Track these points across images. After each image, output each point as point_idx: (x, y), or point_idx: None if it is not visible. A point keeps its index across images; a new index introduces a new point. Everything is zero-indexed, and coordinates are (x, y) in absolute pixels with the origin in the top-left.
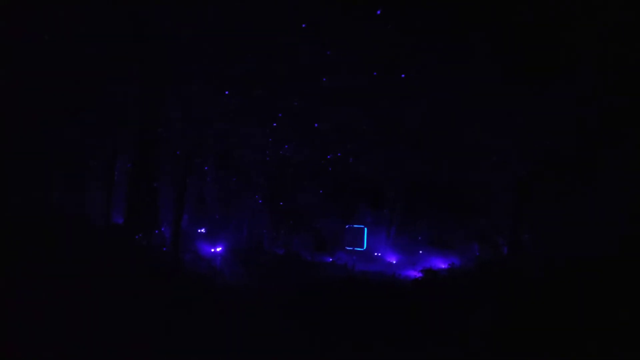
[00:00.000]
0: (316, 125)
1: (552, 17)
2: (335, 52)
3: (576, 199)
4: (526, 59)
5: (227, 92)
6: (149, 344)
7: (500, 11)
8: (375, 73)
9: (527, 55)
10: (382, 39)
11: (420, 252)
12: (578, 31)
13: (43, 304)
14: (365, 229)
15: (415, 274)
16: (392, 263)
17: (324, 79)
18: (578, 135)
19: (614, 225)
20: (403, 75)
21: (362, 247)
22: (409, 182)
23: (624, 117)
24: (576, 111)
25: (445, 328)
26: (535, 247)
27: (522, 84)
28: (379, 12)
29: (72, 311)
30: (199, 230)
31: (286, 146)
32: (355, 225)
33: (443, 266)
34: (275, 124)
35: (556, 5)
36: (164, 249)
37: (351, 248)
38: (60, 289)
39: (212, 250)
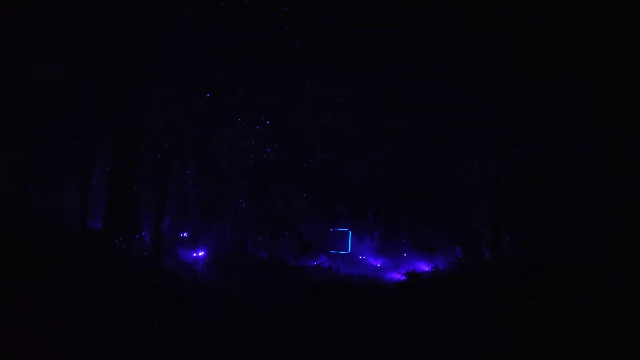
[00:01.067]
0: (299, 129)
1: (535, 21)
2: (318, 55)
3: (554, 201)
4: (504, 63)
5: (208, 95)
6: (129, 351)
7: (486, 14)
8: (358, 79)
9: (506, 59)
10: (366, 44)
11: (404, 255)
12: (559, 34)
13: (18, 308)
14: (350, 232)
15: (399, 277)
16: (376, 266)
17: (307, 82)
18: (555, 138)
19: (592, 226)
20: (385, 80)
21: (347, 250)
22: (392, 186)
23: (600, 118)
24: (553, 114)
25: (430, 330)
26: (515, 250)
27: (500, 88)
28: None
29: (47, 318)
30: (181, 235)
31: (269, 150)
32: (339, 229)
33: (426, 269)
34: (258, 127)
35: (539, 8)
36: (145, 254)
37: (335, 251)
38: (33, 294)
39: (194, 255)
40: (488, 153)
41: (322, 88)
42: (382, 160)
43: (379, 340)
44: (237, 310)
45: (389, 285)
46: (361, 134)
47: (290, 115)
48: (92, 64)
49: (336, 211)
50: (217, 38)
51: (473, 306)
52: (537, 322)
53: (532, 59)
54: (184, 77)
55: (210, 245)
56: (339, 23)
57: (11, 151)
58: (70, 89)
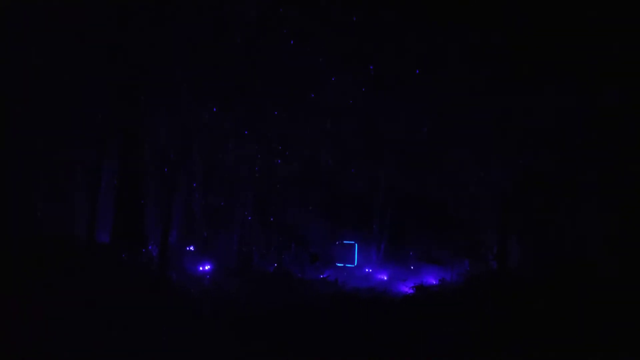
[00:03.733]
0: (306, 139)
1: (536, 27)
2: (323, 64)
3: (561, 211)
4: (508, 71)
5: (214, 105)
6: None
7: (486, 19)
8: (363, 89)
9: (509, 66)
10: (371, 52)
11: (411, 267)
12: (564, 40)
13: (24, 325)
14: (356, 245)
15: (406, 289)
16: (383, 279)
17: (312, 95)
18: (560, 148)
19: (599, 236)
20: (391, 88)
21: (353, 263)
22: (398, 198)
23: (606, 128)
24: (559, 122)
25: (438, 343)
26: (523, 261)
27: (506, 96)
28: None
29: (53, 331)
30: (187, 248)
31: (275, 161)
32: (345, 242)
33: (434, 282)
34: (264, 138)
35: (542, 13)
36: (151, 267)
37: (342, 264)
38: (43, 310)
39: (201, 268)
40: (494, 162)
41: (329, 97)
42: (388, 171)
43: (385, 356)
44: (243, 323)
45: (396, 299)
46: (367, 145)
47: (297, 126)
48: (98, 75)
49: (342, 223)
50: (223, 47)
51: (480, 320)
52: (546, 334)
53: (538, 66)
54: (189, 87)
55: (217, 258)
56: (344, 31)
57: (18, 164)
58: (76, 100)
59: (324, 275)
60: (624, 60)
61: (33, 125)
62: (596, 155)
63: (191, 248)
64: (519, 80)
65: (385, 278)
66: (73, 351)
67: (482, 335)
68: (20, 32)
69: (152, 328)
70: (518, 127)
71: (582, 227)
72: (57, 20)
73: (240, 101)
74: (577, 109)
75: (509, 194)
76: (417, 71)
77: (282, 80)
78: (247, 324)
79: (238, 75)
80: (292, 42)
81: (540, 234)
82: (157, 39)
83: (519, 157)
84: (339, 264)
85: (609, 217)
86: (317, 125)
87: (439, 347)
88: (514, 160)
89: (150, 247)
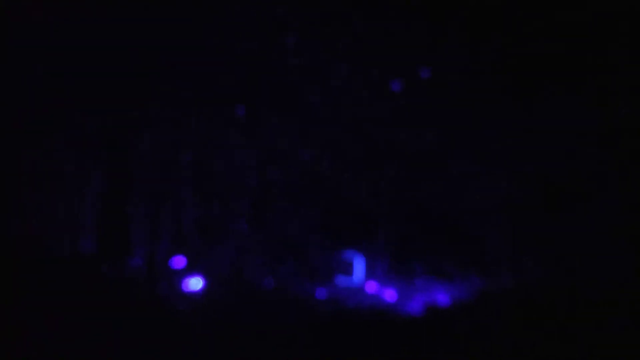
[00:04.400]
0: (303, 146)
1: (548, 32)
2: (323, 70)
3: (573, 222)
4: (518, 78)
5: (205, 110)
6: None
7: (495, 25)
8: (365, 95)
9: (519, 73)
10: (373, 58)
11: (418, 282)
12: (574, 47)
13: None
14: (359, 257)
15: (413, 305)
16: (387, 295)
17: (310, 98)
18: (572, 158)
19: (612, 247)
20: (394, 95)
21: (355, 277)
22: (402, 209)
23: (618, 136)
24: (570, 133)
25: None
26: (534, 273)
27: (514, 103)
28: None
29: (35, 343)
30: (177, 260)
31: (273, 169)
32: (346, 254)
33: (442, 298)
34: (259, 145)
35: (550, 19)
36: (138, 278)
37: (343, 278)
38: (23, 316)
39: (192, 281)
40: (502, 172)
41: (327, 103)
42: (392, 181)
43: None
44: (237, 340)
45: (403, 319)
46: (370, 153)
47: (294, 132)
48: (85, 80)
49: (343, 235)
50: (216, 52)
51: (494, 338)
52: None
53: (545, 74)
54: (180, 92)
55: (209, 271)
56: (345, 37)
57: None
58: (61, 106)
59: (325, 290)
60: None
61: (15, 130)
62: (609, 164)
63: (181, 260)
64: (528, 87)
65: (390, 294)
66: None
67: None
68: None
69: (138, 342)
70: (528, 136)
71: (595, 238)
72: (55, 23)
73: (234, 105)
74: (587, 116)
75: (520, 204)
76: (424, 76)
77: (279, 84)
78: (239, 341)
79: (232, 79)
80: (290, 45)
81: (552, 247)
82: (147, 43)
83: (530, 166)
84: (339, 278)
85: (622, 227)
86: (317, 131)
87: None
88: (524, 170)
89: (136, 258)
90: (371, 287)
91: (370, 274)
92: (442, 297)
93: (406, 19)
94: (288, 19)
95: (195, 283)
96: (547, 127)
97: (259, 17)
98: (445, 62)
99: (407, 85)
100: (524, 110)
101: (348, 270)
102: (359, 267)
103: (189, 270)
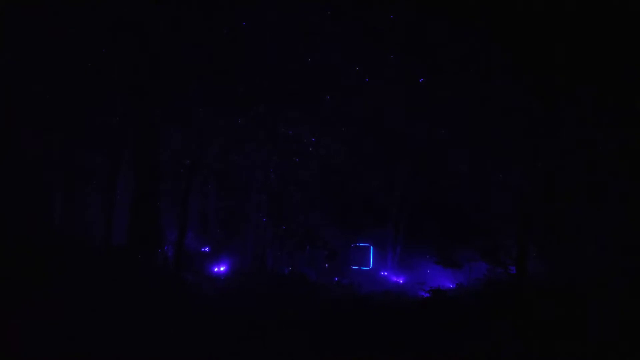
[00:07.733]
0: (319, 143)
1: (562, 35)
2: (338, 69)
3: (581, 218)
4: (533, 78)
5: (228, 110)
6: None
7: (511, 26)
8: (381, 92)
9: (534, 73)
10: (387, 58)
11: (428, 271)
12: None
13: (44, 329)
14: (372, 247)
15: (422, 293)
16: (398, 282)
17: (327, 97)
18: (582, 155)
19: (619, 243)
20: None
21: (368, 266)
22: (414, 201)
23: (630, 137)
24: (581, 131)
25: (453, 349)
26: (541, 265)
27: (528, 103)
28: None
29: (74, 336)
30: (202, 250)
31: (290, 164)
32: (361, 244)
33: (450, 286)
34: (278, 141)
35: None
36: (167, 268)
37: (357, 267)
38: (63, 312)
39: (216, 269)
40: (512, 166)
41: (342, 102)
42: (405, 175)
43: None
44: (256, 325)
45: (411, 302)
46: (382, 148)
47: (310, 129)
48: (112, 81)
49: (358, 226)
50: (238, 54)
51: (498, 324)
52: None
53: (557, 72)
54: (203, 91)
55: (232, 260)
56: (359, 37)
57: (35, 169)
58: (92, 107)
59: (339, 278)
60: None
61: (49, 130)
62: (619, 162)
63: (206, 250)
64: (542, 86)
65: (401, 281)
66: (90, 349)
67: (499, 340)
68: (40, 38)
69: (168, 326)
70: (539, 133)
71: (602, 233)
72: (70, 27)
73: (255, 105)
74: (600, 117)
75: (529, 198)
76: (436, 77)
77: (298, 83)
78: (262, 324)
79: (252, 80)
80: (307, 45)
81: (559, 240)
82: (171, 45)
83: (540, 162)
84: (354, 267)
85: (630, 224)
86: (333, 128)
87: (454, 352)
88: (534, 165)
89: (166, 248)
90: (384, 274)
91: (382, 262)
92: (449, 284)
93: (422, 19)
94: (306, 22)
95: (219, 271)
96: (559, 125)
97: (279, 22)
98: (461, 61)
99: (421, 83)
100: (537, 110)
101: (362, 258)
102: (372, 255)
103: (214, 258)
